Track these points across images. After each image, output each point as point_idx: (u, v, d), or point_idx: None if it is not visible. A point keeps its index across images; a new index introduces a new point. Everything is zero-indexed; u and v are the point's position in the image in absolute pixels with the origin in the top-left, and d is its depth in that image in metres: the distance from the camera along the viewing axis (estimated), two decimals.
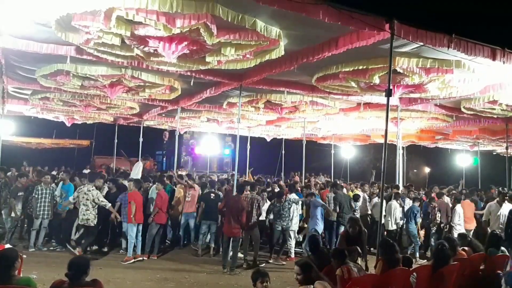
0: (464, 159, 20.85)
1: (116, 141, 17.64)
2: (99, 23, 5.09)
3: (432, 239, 9.65)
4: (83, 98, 11.13)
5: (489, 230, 8.59)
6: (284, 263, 8.86)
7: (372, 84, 7.82)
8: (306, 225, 9.88)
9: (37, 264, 7.65)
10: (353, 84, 8.02)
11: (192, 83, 8.92)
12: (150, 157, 21.44)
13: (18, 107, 13.59)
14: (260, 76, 8.04)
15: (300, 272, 4.13)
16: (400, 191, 10.87)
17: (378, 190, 12.37)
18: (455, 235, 8.18)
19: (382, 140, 8.13)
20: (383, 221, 7.01)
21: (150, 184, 10.10)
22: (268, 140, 21.17)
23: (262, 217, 9.28)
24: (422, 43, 5.56)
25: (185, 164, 25.40)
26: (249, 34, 5.46)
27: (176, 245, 10.08)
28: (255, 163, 19.40)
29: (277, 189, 11.41)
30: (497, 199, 9.44)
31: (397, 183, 11.94)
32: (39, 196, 9.07)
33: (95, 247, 9.22)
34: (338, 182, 12.93)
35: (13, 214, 9.25)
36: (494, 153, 21.35)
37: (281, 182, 14.23)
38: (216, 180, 13.69)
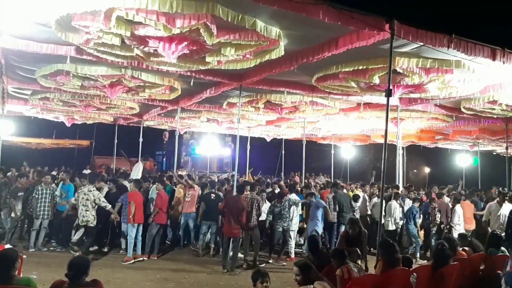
0: (464, 159, 20.86)
1: (116, 141, 17.65)
2: (99, 23, 5.09)
3: (432, 240, 9.64)
4: (83, 98, 11.13)
5: (489, 230, 8.59)
6: (284, 263, 8.86)
7: (372, 84, 7.82)
8: (305, 226, 9.87)
9: (37, 264, 7.66)
10: (353, 84, 8.02)
11: (192, 83, 8.92)
12: (150, 157, 21.45)
13: (18, 107, 13.59)
14: (260, 76, 8.04)
15: (299, 273, 4.13)
16: (400, 191, 10.87)
17: (378, 190, 12.36)
18: (455, 235, 8.18)
19: (382, 140, 8.13)
20: (383, 221, 7.01)
21: (150, 185, 10.10)
22: (268, 140, 21.18)
23: (262, 218, 9.27)
24: (422, 43, 5.56)
25: (185, 164, 25.40)
26: (249, 34, 5.46)
27: (176, 245, 10.08)
28: (255, 163, 19.41)
29: (277, 190, 11.41)
30: (497, 199, 9.44)
31: (397, 183, 11.94)
32: (39, 196, 9.07)
33: (95, 247, 9.21)
34: (338, 182, 12.93)
35: (13, 215, 9.25)
36: (494, 153, 21.36)
37: (281, 183, 14.23)
38: (216, 180, 13.70)
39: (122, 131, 18.19)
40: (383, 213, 7.72)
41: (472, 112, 10.61)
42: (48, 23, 5.57)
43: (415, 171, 27.55)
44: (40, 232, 9.12)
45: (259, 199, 8.77)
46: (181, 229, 10.04)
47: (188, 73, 7.92)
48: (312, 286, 3.99)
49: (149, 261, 8.63)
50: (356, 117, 13.06)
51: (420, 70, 6.75)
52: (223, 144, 24.23)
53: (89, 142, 23.58)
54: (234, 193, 9.00)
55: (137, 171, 13.46)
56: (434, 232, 9.88)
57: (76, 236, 8.82)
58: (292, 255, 9.27)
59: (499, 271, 5.19)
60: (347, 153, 22.22)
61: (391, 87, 5.85)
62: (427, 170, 26.13)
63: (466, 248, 6.25)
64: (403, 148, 16.79)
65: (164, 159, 27.64)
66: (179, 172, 14.35)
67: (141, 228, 8.62)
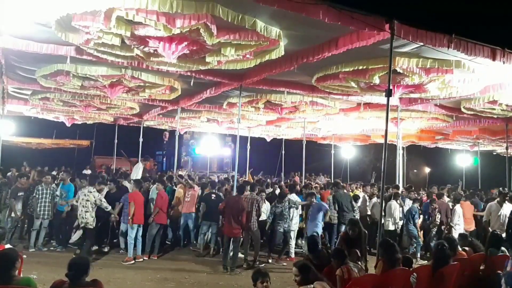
0: (464, 159, 20.86)
1: (116, 141, 17.66)
2: (99, 23, 5.09)
3: (433, 240, 9.64)
4: (83, 98, 11.13)
5: (490, 230, 8.58)
6: (284, 263, 8.86)
7: (372, 84, 7.82)
8: (305, 226, 9.85)
9: (37, 264, 7.65)
10: (353, 84, 8.02)
11: (192, 83, 8.92)
12: (150, 157, 21.46)
13: (18, 107, 13.60)
14: (260, 76, 8.04)
15: (298, 274, 4.13)
16: (400, 192, 10.86)
17: (378, 190, 12.35)
18: (455, 235, 8.17)
19: (382, 140, 8.14)
20: (382, 221, 7.00)
21: (151, 185, 10.10)
22: (268, 140, 21.18)
23: (262, 218, 9.26)
24: (422, 43, 5.56)
25: (185, 164, 25.42)
26: (249, 34, 5.46)
27: (176, 245, 10.08)
28: (255, 163, 19.41)
29: (277, 190, 11.40)
30: (498, 199, 9.43)
31: (397, 183, 11.94)
32: (40, 196, 9.08)
33: (95, 247, 9.21)
34: (337, 181, 12.91)
35: (13, 214, 9.25)
36: (494, 153, 21.36)
37: (282, 183, 14.23)
38: (217, 180, 13.70)
39: (122, 131, 18.20)
40: (383, 213, 7.71)
41: (472, 112, 10.61)
42: (48, 23, 5.57)
43: (415, 171, 27.54)
44: (40, 232, 9.13)
45: (259, 200, 8.77)
46: (181, 229, 10.04)
47: (188, 73, 7.92)
48: (312, 286, 3.99)
49: (149, 261, 8.63)
50: (356, 117, 13.06)
51: (420, 70, 6.74)
52: (223, 144, 24.24)
53: (89, 142, 23.59)
54: (234, 193, 9.00)
55: (137, 172, 13.46)
56: (434, 232, 9.87)
57: (75, 237, 8.84)
58: (292, 255, 9.28)
59: (499, 271, 5.19)
60: (347, 153, 22.22)
61: (391, 87, 5.85)
62: (427, 170, 26.13)
63: (467, 248, 6.25)
64: (403, 148, 16.80)
65: (164, 159, 27.67)
66: (179, 172, 14.36)
67: (141, 228, 8.61)
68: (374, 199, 11.05)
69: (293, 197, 9.59)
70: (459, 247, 6.05)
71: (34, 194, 9.12)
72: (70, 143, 23.52)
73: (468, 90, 8.17)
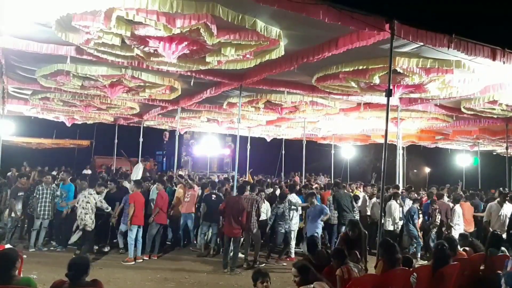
0: (464, 159, 20.86)
1: (116, 141, 17.66)
2: (99, 23, 5.09)
3: (434, 240, 9.63)
4: (83, 98, 11.14)
5: (490, 230, 8.57)
6: (284, 263, 8.86)
7: (372, 84, 7.82)
8: (304, 226, 9.84)
9: (37, 264, 7.65)
10: (353, 84, 8.02)
11: (192, 83, 8.92)
12: (150, 157, 21.46)
13: (18, 107, 13.60)
14: (260, 76, 8.04)
15: (298, 274, 4.14)
16: (399, 192, 10.85)
17: (378, 190, 12.34)
18: (455, 235, 8.16)
19: (382, 140, 8.15)
20: (382, 221, 7.00)
21: (151, 185, 10.10)
22: (268, 140, 21.19)
23: (262, 217, 9.26)
24: (422, 43, 5.57)
25: (185, 164, 25.44)
26: (249, 34, 5.46)
27: (176, 245, 10.08)
28: (255, 163, 19.40)
29: (278, 191, 11.40)
30: (498, 199, 9.41)
31: (397, 183, 11.94)
32: (40, 196, 9.08)
33: (95, 247, 9.22)
34: (337, 181, 12.90)
35: (13, 214, 9.25)
36: (494, 153, 21.36)
37: (282, 183, 14.22)
38: (217, 180, 13.70)
39: (122, 131, 18.21)
40: (383, 213, 7.71)
41: (472, 112, 10.61)
42: (48, 23, 5.57)
43: (415, 171, 27.53)
44: (40, 232, 9.13)
45: (259, 200, 8.77)
46: (180, 229, 10.04)
47: (188, 73, 7.92)
48: (311, 286, 3.99)
49: (149, 261, 8.63)
50: (356, 117, 13.06)
51: (420, 70, 6.75)
52: (223, 144, 24.25)
53: (89, 142, 23.59)
54: (234, 193, 8.99)
55: (137, 172, 13.44)
56: (433, 232, 9.86)
57: (74, 237, 8.83)
58: (293, 255, 9.28)
59: (499, 271, 5.19)
60: (347, 153, 22.22)
61: (391, 87, 5.85)
62: (427, 170, 26.12)
63: (467, 248, 6.25)
64: (403, 148, 16.80)
65: (164, 159, 27.71)
66: (179, 172, 14.36)
67: (141, 229, 8.60)
68: (374, 199, 11.04)
69: (293, 197, 9.58)
70: (459, 247, 6.04)
71: (34, 194, 9.12)
72: (70, 143, 23.52)
73: (468, 90, 8.17)
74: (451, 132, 15.60)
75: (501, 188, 12.24)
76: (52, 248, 9.24)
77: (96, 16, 5.04)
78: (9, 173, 14.05)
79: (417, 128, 14.37)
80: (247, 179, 15.30)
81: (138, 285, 7.10)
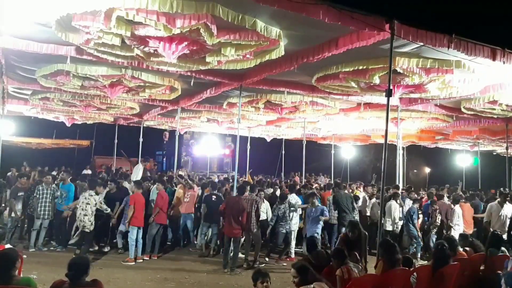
0: (464, 159, 20.86)
1: (116, 141, 17.67)
2: (99, 23, 5.09)
3: (433, 240, 9.63)
4: (83, 98, 11.13)
5: (491, 230, 8.56)
6: (284, 264, 8.86)
7: (372, 84, 7.82)
8: (304, 226, 9.84)
9: (37, 264, 7.65)
10: (353, 84, 8.02)
11: (192, 83, 8.92)
12: (150, 157, 21.47)
13: (18, 107, 13.60)
14: (260, 76, 8.04)
15: (297, 275, 4.14)
16: (399, 192, 10.84)
17: (378, 191, 12.34)
18: (454, 235, 8.16)
19: (382, 140, 8.15)
20: (382, 221, 6.99)
21: (151, 185, 10.10)
22: (268, 140, 21.19)
23: (262, 217, 9.26)
24: (422, 43, 5.56)
25: (185, 164, 25.45)
26: (249, 34, 5.46)
27: (176, 245, 10.08)
28: (255, 163, 19.41)
29: (278, 191, 11.39)
30: (498, 199, 9.41)
31: (397, 183, 11.94)
32: (40, 196, 9.07)
33: (95, 247, 9.22)
34: (338, 181, 12.91)
35: (13, 214, 9.25)
36: (494, 153, 21.36)
37: (283, 183, 14.22)
38: (217, 180, 13.70)
39: (122, 131, 18.21)
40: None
41: (472, 112, 10.61)
42: (48, 23, 5.57)
43: (415, 171, 27.53)
44: (40, 232, 9.12)
45: (258, 200, 8.76)
46: (180, 229, 10.04)
47: (188, 73, 7.92)
48: (311, 286, 3.99)
49: (149, 261, 8.64)
50: (356, 117, 13.06)
51: (420, 70, 6.74)
52: (223, 144, 24.25)
53: (89, 142, 23.59)
54: (234, 193, 8.99)
55: (137, 173, 13.43)
56: (433, 233, 9.85)
57: (74, 240, 8.83)
58: (292, 255, 9.29)
59: (499, 271, 5.19)
60: (347, 153, 22.22)
61: (391, 87, 5.85)
62: (427, 170, 26.13)
63: (467, 248, 6.24)
64: (403, 148, 16.80)
65: (164, 159, 27.72)
66: (180, 172, 14.36)
67: (141, 230, 8.59)
68: (374, 200, 11.03)
69: (293, 197, 9.58)
70: (459, 247, 6.04)
71: (34, 194, 9.12)
72: (70, 143, 23.52)
73: (468, 90, 8.17)
74: (451, 132, 15.60)
75: (501, 189, 12.24)
76: (52, 248, 9.23)
77: (96, 16, 5.04)
78: (9, 173, 14.06)
79: (417, 128, 14.37)
80: (246, 180, 15.31)
81: (138, 285, 7.10)
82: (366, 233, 6.50)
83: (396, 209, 9.86)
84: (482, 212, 10.25)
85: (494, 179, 17.28)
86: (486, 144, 17.79)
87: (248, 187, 9.05)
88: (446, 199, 10.73)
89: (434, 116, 11.93)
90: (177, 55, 5.92)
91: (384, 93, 5.94)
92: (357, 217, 9.61)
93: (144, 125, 16.70)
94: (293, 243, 9.38)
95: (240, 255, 8.57)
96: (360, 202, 10.82)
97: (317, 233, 8.87)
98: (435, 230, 9.84)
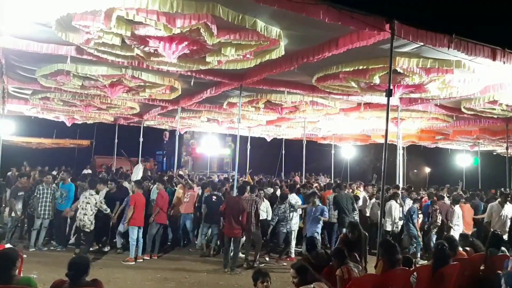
0: (464, 159, 20.86)
1: (116, 141, 17.68)
2: (100, 23, 5.10)
3: (433, 240, 9.63)
4: (84, 98, 11.14)
5: (491, 230, 8.56)
6: (284, 263, 8.86)
7: (372, 84, 7.82)
8: (304, 226, 9.84)
9: (37, 264, 7.65)
10: (353, 84, 8.02)
11: (192, 83, 8.93)
12: (150, 157, 21.47)
13: (19, 107, 13.61)
14: (260, 76, 8.04)
15: (296, 275, 4.14)
16: (399, 191, 10.84)
17: (378, 191, 12.33)
18: (454, 236, 8.15)
19: (382, 140, 8.15)
20: (382, 221, 6.99)
21: (151, 185, 10.10)
22: (268, 140, 21.19)
23: (262, 216, 9.27)
24: (422, 43, 5.56)
25: (185, 164, 25.47)
26: (249, 34, 5.46)
27: (176, 245, 10.08)
28: (255, 163, 19.43)
29: (278, 191, 11.39)
30: (499, 199, 9.40)
31: (397, 183, 11.93)
32: (41, 196, 9.07)
33: (95, 247, 9.22)
34: (338, 181, 12.91)
35: (13, 214, 9.25)
36: (494, 153, 21.36)
37: (283, 183, 14.21)
38: (217, 180, 13.71)
39: (123, 131, 18.22)
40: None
41: (472, 112, 10.61)
42: (49, 23, 5.57)
43: (415, 171, 27.54)
44: (40, 232, 9.12)
45: (257, 201, 8.76)
46: (180, 229, 10.04)
47: (189, 73, 7.93)
48: (311, 286, 3.99)
49: (149, 261, 8.63)
50: (356, 117, 13.06)
51: (421, 70, 6.74)
52: (223, 144, 24.28)
53: (89, 142, 23.61)
54: (234, 193, 9.00)
55: (137, 173, 13.43)
56: (433, 232, 9.85)
57: (72, 239, 8.82)
58: (293, 255, 9.28)
59: (499, 271, 5.19)
60: (347, 153, 22.22)
61: (391, 87, 5.84)
62: (427, 170, 26.14)
63: (468, 248, 6.24)
64: (403, 148, 16.81)
65: (165, 159, 27.72)
66: (180, 172, 14.37)
67: (141, 230, 8.60)
68: (372, 200, 11.01)
69: (293, 197, 9.58)
70: (460, 247, 6.04)
71: (35, 194, 9.12)
72: (71, 142, 23.54)
73: (468, 90, 8.17)
74: (451, 132, 15.60)
75: (502, 189, 12.24)
76: (52, 248, 9.23)
77: (96, 16, 5.04)
78: (9, 173, 14.07)
79: (417, 128, 14.37)
80: (246, 180, 15.33)
81: (138, 285, 7.10)
82: (366, 234, 6.50)
83: (396, 209, 9.85)
84: (482, 212, 10.25)
85: (494, 179, 17.29)
86: (486, 144, 17.80)
87: (248, 188, 9.04)
88: (446, 200, 10.72)
89: (434, 116, 11.93)
90: (177, 55, 5.92)
91: (384, 93, 5.93)
92: (357, 218, 9.61)
93: (144, 125, 16.70)
94: (293, 243, 9.39)
95: (240, 254, 8.57)
96: (360, 202, 10.82)
97: (317, 232, 8.88)
98: (435, 230, 9.84)
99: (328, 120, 13.95)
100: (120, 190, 9.80)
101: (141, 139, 15.82)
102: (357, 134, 18.33)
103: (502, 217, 8.93)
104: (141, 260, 8.51)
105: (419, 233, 9.83)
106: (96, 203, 8.35)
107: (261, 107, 11.64)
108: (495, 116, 11.03)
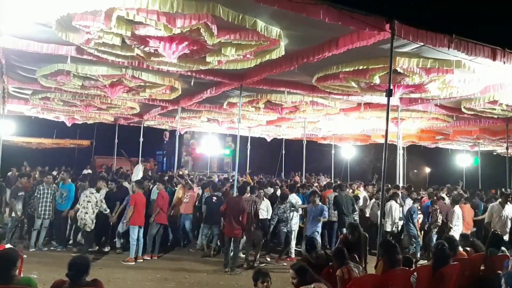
0: (464, 159, 20.85)
1: (116, 141, 17.68)
2: (100, 23, 5.10)
3: (433, 240, 9.62)
4: (84, 98, 11.14)
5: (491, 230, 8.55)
6: (285, 263, 8.86)
7: (372, 84, 7.82)
8: (304, 225, 9.84)
9: (37, 264, 7.65)
10: (353, 84, 8.02)
11: (192, 83, 8.92)
12: (150, 157, 21.47)
13: (19, 107, 13.60)
14: (260, 76, 8.04)
15: (296, 276, 4.13)
16: (399, 191, 10.83)
17: (378, 191, 12.32)
18: (454, 236, 8.15)
19: (382, 140, 8.15)
20: (382, 221, 6.99)
21: (151, 185, 10.10)
22: (269, 140, 21.19)
23: (263, 216, 9.27)
24: (422, 43, 5.56)
25: (185, 164, 25.48)
26: (249, 34, 5.46)
27: (176, 245, 10.08)
28: (255, 163, 19.43)
29: (279, 191, 11.39)
30: (500, 200, 9.40)
31: (397, 183, 11.93)
32: (41, 196, 9.08)
33: (95, 247, 9.22)
34: (338, 182, 12.90)
35: (13, 214, 9.25)
36: (494, 153, 21.36)
37: (283, 183, 14.21)
38: (217, 180, 13.70)
39: (123, 131, 18.22)
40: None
41: (472, 112, 10.61)
42: (49, 23, 5.57)
43: (415, 171, 27.54)
44: (41, 232, 9.12)
45: (257, 201, 8.76)
46: (180, 229, 10.04)
47: (189, 73, 7.93)
48: (311, 286, 3.99)
49: (149, 261, 8.63)
50: (356, 117, 13.06)
51: (421, 70, 6.74)
52: (223, 144, 24.29)
53: (89, 142, 23.62)
54: (234, 193, 8.99)
55: (137, 173, 13.43)
56: (434, 232, 9.84)
57: (72, 239, 8.82)
58: (293, 255, 9.28)
59: (499, 271, 5.19)
60: (348, 153, 22.22)
61: (391, 87, 5.84)
62: (427, 170, 26.14)
63: (468, 249, 6.24)
64: (403, 148, 16.81)
65: (165, 159, 27.74)
66: (180, 172, 14.37)
67: (141, 230, 8.60)
68: (372, 201, 11.00)
69: (293, 197, 9.58)
70: (460, 247, 6.04)
71: (35, 194, 9.12)
72: (71, 143, 23.55)
73: (468, 90, 8.17)
74: (451, 132, 15.60)
75: (503, 189, 12.23)
76: (52, 248, 9.23)
77: (96, 16, 5.04)
78: (9, 173, 14.07)
79: (417, 128, 14.37)
80: (245, 179, 15.32)
81: (138, 285, 7.10)
82: (366, 235, 6.49)
83: (396, 209, 9.84)
84: (482, 213, 10.25)
85: (494, 179, 17.29)
86: (486, 144, 17.80)
87: (249, 188, 9.04)
88: (446, 200, 10.72)
89: (434, 116, 11.93)
90: (178, 55, 5.92)
91: (384, 93, 5.93)
92: (357, 218, 9.60)
93: (145, 125, 16.71)
94: (293, 243, 9.39)
95: (241, 255, 8.57)
96: (360, 202, 10.81)
97: (318, 232, 8.88)
98: (436, 229, 9.83)
99: (328, 120, 13.94)
100: (120, 190, 9.80)
101: (141, 139, 15.83)
102: (357, 134, 18.33)
103: (503, 217, 8.93)
104: (141, 260, 8.51)
105: (419, 233, 9.83)
106: (96, 201, 8.35)
107: (261, 107, 11.65)
108: (495, 116, 11.03)
